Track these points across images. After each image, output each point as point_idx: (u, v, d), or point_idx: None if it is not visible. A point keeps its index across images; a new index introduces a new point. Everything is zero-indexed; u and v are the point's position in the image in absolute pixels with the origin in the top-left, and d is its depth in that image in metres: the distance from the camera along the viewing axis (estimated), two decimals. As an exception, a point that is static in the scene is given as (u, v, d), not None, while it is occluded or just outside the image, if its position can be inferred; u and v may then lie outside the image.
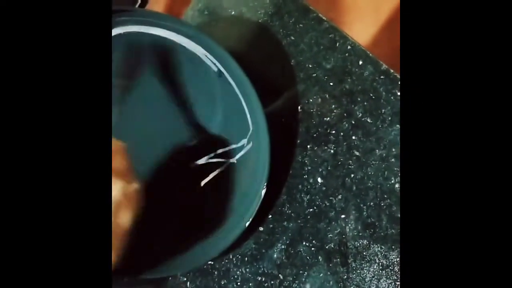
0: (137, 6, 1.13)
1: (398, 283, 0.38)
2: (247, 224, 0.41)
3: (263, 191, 0.40)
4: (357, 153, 0.43)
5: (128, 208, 0.33)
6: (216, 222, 0.44)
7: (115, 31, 0.41)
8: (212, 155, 0.45)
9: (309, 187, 0.44)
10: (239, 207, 0.43)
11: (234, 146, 0.44)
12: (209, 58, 0.42)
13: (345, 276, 0.41)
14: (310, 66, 0.46)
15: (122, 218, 0.32)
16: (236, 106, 0.43)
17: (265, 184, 0.40)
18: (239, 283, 0.45)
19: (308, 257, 0.43)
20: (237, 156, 0.44)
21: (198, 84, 0.44)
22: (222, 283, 0.45)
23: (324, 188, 0.43)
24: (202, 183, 0.45)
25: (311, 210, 0.43)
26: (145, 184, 0.45)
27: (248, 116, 0.42)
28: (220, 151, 0.45)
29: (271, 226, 0.45)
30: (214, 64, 0.42)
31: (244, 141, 0.43)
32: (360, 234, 0.41)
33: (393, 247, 0.40)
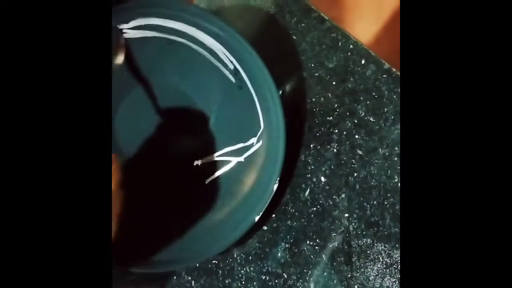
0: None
1: (401, 281, 0.39)
2: (257, 218, 0.41)
3: (275, 186, 0.41)
4: (360, 152, 0.43)
5: None
6: (222, 219, 0.44)
7: (134, 23, 0.41)
8: (219, 153, 0.45)
9: (312, 186, 0.44)
10: (246, 204, 0.43)
11: (242, 144, 0.44)
12: (226, 56, 0.42)
13: (349, 275, 0.41)
14: (313, 65, 0.46)
15: None
16: (248, 104, 0.43)
17: (278, 178, 0.41)
18: (243, 282, 0.45)
19: (312, 256, 0.43)
20: (245, 155, 0.44)
21: (211, 80, 0.44)
22: (227, 282, 0.45)
23: (327, 187, 0.44)
24: (208, 180, 0.45)
25: (314, 209, 0.44)
26: (153, 182, 0.45)
27: (260, 114, 0.42)
28: (228, 149, 0.45)
29: (274, 225, 0.45)
30: (231, 62, 0.42)
31: (254, 139, 0.43)
32: (364, 232, 0.41)
33: (396, 245, 0.40)
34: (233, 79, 0.43)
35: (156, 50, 0.43)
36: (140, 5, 0.40)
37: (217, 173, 0.45)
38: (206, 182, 0.45)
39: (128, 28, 0.41)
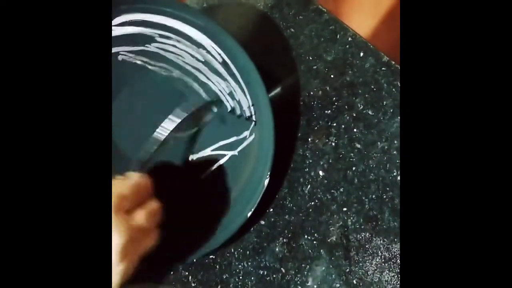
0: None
1: (400, 275, 0.38)
2: (249, 214, 0.41)
3: (266, 181, 0.40)
4: (359, 146, 0.43)
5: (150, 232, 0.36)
6: (218, 213, 0.44)
7: (120, 19, 0.41)
8: (214, 147, 0.45)
9: (310, 180, 0.44)
10: (241, 198, 0.43)
11: (235, 138, 0.44)
12: (214, 48, 0.41)
13: (348, 269, 0.41)
14: (311, 58, 0.46)
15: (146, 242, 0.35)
16: (239, 96, 0.42)
17: (269, 173, 0.40)
18: (241, 277, 0.45)
19: (310, 251, 0.42)
20: (239, 148, 0.44)
21: (201, 74, 0.43)
22: (224, 277, 0.45)
23: (325, 181, 0.43)
24: (204, 175, 0.45)
25: (312, 203, 0.43)
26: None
27: (252, 107, 0.42)
28: (222, 143, 0.45)
29: (272, 219, 0.44)
30: (220, 54, 0.41)
31: (246, 133, 0.43)
32: (362, 227, 0.41)
33: (395, 239, 0.39)
34: (224, 71, 0.42)
35: (145, 46, 0.43)
36: (124, 1, 0.40)
37: (213, 168, 0.45)
38: (202, 177, 0.45)
39: (115, 25, 0.41)
